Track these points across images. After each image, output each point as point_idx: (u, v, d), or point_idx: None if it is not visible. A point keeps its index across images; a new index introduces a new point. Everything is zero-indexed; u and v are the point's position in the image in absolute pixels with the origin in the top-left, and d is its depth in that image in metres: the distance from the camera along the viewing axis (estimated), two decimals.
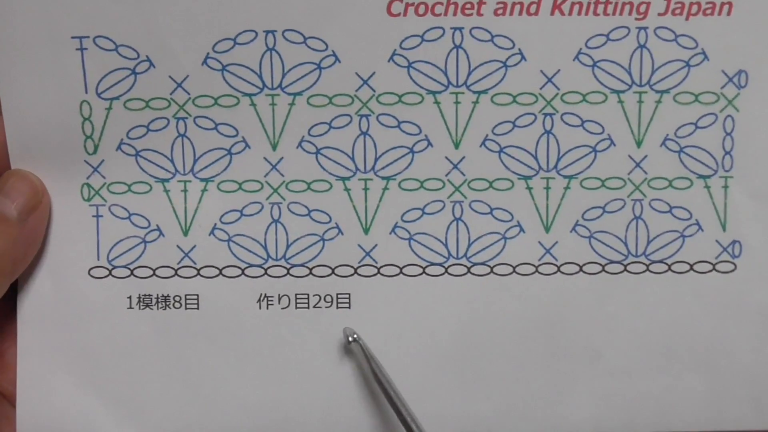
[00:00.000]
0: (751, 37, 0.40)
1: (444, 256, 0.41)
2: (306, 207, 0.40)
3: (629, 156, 0.40)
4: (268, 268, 0.40)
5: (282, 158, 0.40)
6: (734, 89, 0.40)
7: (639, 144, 0.40)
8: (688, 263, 0.41)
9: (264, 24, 0.39)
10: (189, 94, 0.39)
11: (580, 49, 0.40)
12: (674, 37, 0.40)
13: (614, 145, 0.40)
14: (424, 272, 0.41)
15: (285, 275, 0.40)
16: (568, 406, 0.41)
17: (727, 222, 0.41)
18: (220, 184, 0.40)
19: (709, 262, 0.41)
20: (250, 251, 0.40)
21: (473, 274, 0.41)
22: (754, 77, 0.40)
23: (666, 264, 0.41)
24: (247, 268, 0.40)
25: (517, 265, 0.41)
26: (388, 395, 0.39)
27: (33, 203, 0.39)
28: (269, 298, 0.40)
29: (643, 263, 0.41)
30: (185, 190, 0.40)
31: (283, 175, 0.40)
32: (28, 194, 0.39)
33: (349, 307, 0.40)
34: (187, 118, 0.40)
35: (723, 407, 0.41)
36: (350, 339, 0.40)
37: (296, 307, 0.40)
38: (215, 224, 0.40)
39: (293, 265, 0.40)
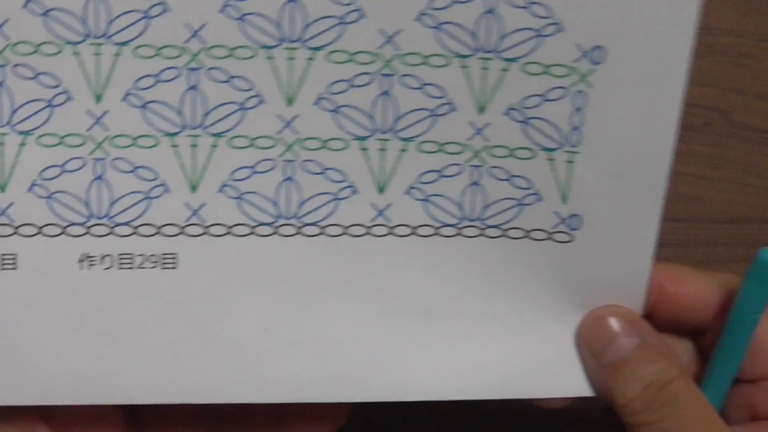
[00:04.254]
0: (613, 11, 0.38)
1: (274, 216, 0.40)
2: (131, 163, 0.38)
3: (470, 122, 0.39)
4: (91, 226, 0.39)
5: (106, 111, 0.38)
6: (589, 65, 0.38)
7: (481, 110, 0.39)
8: (524, 230, 0.40)
9: None
10: (8, 40, 0.37)
11: (422, 9, 0.38)
12: (526, 4, 0.38)
13: (455, 110, 0.39)
14: (253, 232, 0.40)
15: (108, 234, 0.39)
16: (403, 368, 0.41)
17: (569, 196, 0.40)
18: (40, 137, 0.38)
19: (545, 231, 0.40)
20: (71, 209, 0.39)
21: (304, 234, 0.40)
22: (612, 53, 0.38)
23: (501, 229, 0.40)
24: (68, 226, 0.39)
25: (349, 226, 0.40)
26: None
27: None
28: (91, 258, 0.39)
29: (478, 227, 0.40)
30: (1, 144, 0.38)
31: (107, 129, 0.38)
32: None
33: (176, 268, 0.40)
34: (5, 65, 0.37)
35: (556, 372, 0.42)
36: None
37: (119, 268, 0.39)
38: (34, 180, 0.38)
39: (117, 224, 0.39)
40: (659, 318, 0.42)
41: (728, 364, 0.41)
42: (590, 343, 0.41)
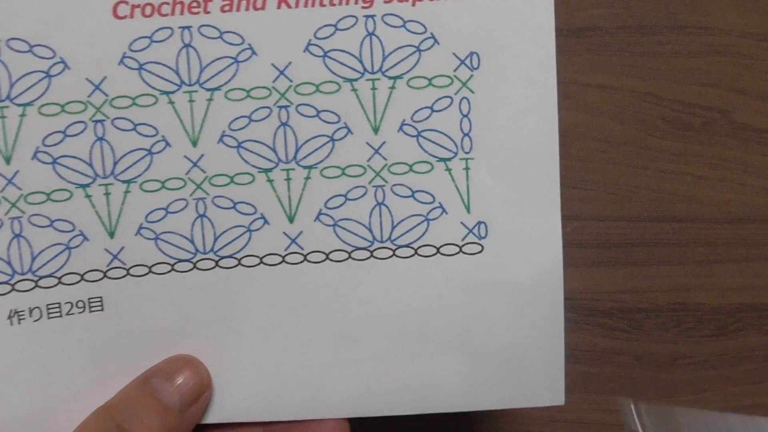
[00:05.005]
0: (480, 19, 0.40)
1: (192, 252, 0.41)
2: (48, 218, 0.40)
3: (367, 143, 0.41)
4: (15, 283, 0.40)
5: (17, 171, 0.40)
6: (467, 71, 0.40)
7: (376, 131, 0.41)
8: (435, 246, 0.41)
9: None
10: None
11: (310, 40, 0.40)
12: (402, 23, 0.40)
13: (351, 133, 0.41)
14: (173, 269, 0.41)
15: (33, 288, 0.40)
16: (326, 391, 0.42)
17: (471, 203, 0.41)
18: None
19: (456, 245, 0.41)
20: None
21: (221, 267, 0.41)
22: (485, 58, 0.40)
23: (412, 248, 0.41)
24: None
25: (264, 256, 0.41)
26: None
27: (196, 395, 0.40)
28: (20, 313, 0.40)
29: (389, 248, 0.41)
30: None
31: (20, 189, 0.40)
32: (194, 384, 0.40)
33: (102, 310, 0.41)
34: None
35: (481, 387, 0.42)
36: None
37: (49, 318, 0.40)
38: None
39: (41, 277, 0.40)
40: None
41: None
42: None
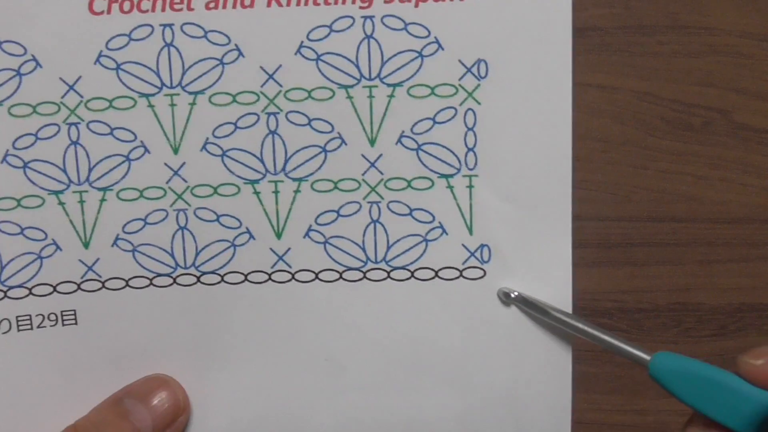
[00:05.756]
0: (488, 23, 0.36)
1: (171, 267, 0.38)
2: (18, 225, 0.38)
3: (363, 155, 0.37)
4: None
5: None
6: (474, 80, 0.37)
7: (372, 142, 0.37)
8: (433, 269, 0.38)
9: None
10: None
11: (302, 42, 0.37)
12: (404, 26, 0.36)
13: (345, 144, 0.37)
14: (151, 283, 0.38)
15: (2, 299, 0.38)
16: (311, 420, 0.39)
17: (474, 225, 0.38)
18: None
19: (456, 268, 0.38)
20: None
21: (203, 283, 0.38)
22: (494, 66, 0.37)
23: (408, 271, 0.38)
24: None
25: (249, 273, 0.38)
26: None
27: (171, 418, 0.38)
28: None
29: (384, 270, 0.38)
30: None
31: None
32: (169, 406, 0.38)
33: (76, 324, 0.38)
34: None
35: (477, 426, 0.39)
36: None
37: (18, 330, 0.38)
38: None
39: (10, 287, 0.38)
40: None
41: None
42: None
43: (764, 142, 0.44)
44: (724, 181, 0.45)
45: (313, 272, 0.38)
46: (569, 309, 0.38)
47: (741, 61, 0.42)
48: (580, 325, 0.36)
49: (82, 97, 0.37)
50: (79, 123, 0.37)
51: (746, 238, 0.46)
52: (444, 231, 0.38)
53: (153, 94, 0.37)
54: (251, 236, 0.38)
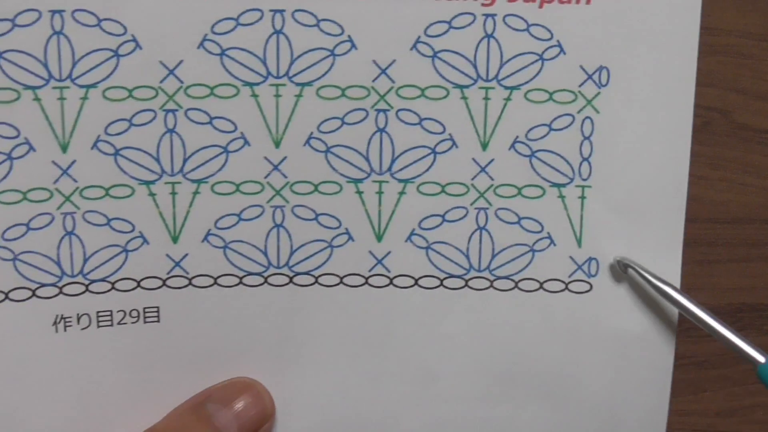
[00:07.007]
0: (613, 29, 0.35)
1: (264, 266, 0.36)
2: (105, 216, 0.35)
3: (473, 159, 0.36)
4: (63, 286, 0.35)
5: (74, 161, 0.35)
6: (594, 88, 0.35)
7: (485, 146, 0.36)
8: (538, 281, 0.37)
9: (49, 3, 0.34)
10: None
11: (419, 37, 0.35)
12: (526, 27, 0.35)
13: (456, 146, 0.36)
14: (241, 282, 0.36)
15: (84, 292, 0.36)
16: (397, 430, 0.37)
17: (584, 237, 0.36)
18: (0, 194, 0.35)
19: (562, 281, 0.37)
20: (40, 269, 0.35)
21: (295, 284, 0.36)
22: (616, 74, 0.35)
23: (512, 281, 0.37)
24: (38, 288, 0.35)
25: (345, 276, 0.36)
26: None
27: (256, 425, 0.36)
28: (66, 320, 0.36)
29: (487, 279, 0.37)
30: None
31: (76, 181, 0.35)
32: (255, 413, 0.36)
33: (159, 321, 0.36)
34: None
35: None
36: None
37: (98, 326, 0.36)
38: None
39: (92, 281, 0.36)
40: None
41: None
42: None
43: (764, 142, 0.44)
44: (724, 181, 0.44)
45: (413, 278, 0.37)
46: (675, 327, 0.37)
47: (741, 61, 0.42)
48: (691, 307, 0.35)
49: (182, 82, 0.35)
50: (176, 110, 0.35)
51: (746, 238, 0.45)
52: (552, 242, 0.36)
53: (258, 83, 0.35)
54: (350, 237, 0.36)
